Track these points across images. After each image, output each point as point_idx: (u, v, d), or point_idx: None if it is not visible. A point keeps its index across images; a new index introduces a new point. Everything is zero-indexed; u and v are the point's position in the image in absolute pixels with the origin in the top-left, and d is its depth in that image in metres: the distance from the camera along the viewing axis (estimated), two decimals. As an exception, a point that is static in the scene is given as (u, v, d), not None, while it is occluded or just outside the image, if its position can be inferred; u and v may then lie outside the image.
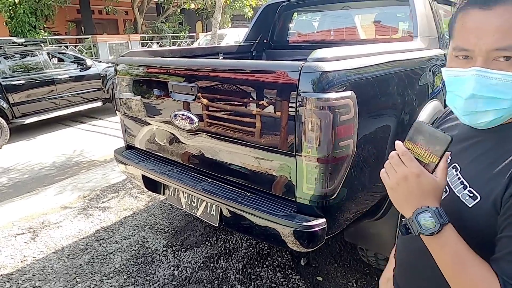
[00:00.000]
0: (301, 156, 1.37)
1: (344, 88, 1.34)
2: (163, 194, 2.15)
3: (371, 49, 1.67)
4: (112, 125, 6.51)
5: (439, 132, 0.65)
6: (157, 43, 14.39)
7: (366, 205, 1.73)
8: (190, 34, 16.43)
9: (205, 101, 1.68)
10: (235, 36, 11.37)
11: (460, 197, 0.69)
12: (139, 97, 2.09)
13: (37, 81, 6.14)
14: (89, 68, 7.18)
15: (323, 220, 1.41)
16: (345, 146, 1.35)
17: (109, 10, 13.98)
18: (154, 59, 2.24)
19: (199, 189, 1.75)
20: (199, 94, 1.69)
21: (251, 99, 1.53)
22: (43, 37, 10.35)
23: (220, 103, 1.66)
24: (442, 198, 0.67)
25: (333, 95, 1.30)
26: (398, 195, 0.67)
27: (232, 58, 3.09)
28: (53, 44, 10.94)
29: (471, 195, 0.67)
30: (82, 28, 14.84)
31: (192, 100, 1.73)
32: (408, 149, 0.67)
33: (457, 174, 0.72)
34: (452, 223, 0.63)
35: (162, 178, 1.98)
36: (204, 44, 10.64)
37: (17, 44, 6.11)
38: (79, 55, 7.68)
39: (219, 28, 15.80)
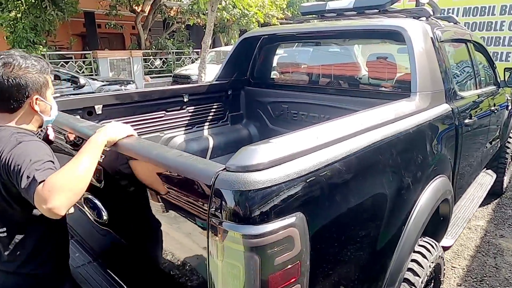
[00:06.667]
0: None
1: (286, 211, 0.86)
2: None
3: (337, 131, 1.15)
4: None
5: None
6: (160, 59, 14.15)
7: None
8: (196, 50, 16.19)
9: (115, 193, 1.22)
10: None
11: None
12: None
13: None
14: (83, 86, 6.92)
15: None
16: (285, 302, 0.86)
17: (112, 25, 13.84)
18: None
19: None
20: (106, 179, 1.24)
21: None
22: (42, 53, 10.15)
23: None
24: None
25: (264, 227, 0.81)
26: None
27: (200, 99, 2.64)
28: (54, 59, 10.75)
29: None
30: (87, 42, 14.76)
31: (100, 186, 1.28)
32: None
33: None
34: None
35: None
36: (208, 60, 10.03)
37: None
38: (73, 73, 7.43)
39: (226, 44, 15.71)
